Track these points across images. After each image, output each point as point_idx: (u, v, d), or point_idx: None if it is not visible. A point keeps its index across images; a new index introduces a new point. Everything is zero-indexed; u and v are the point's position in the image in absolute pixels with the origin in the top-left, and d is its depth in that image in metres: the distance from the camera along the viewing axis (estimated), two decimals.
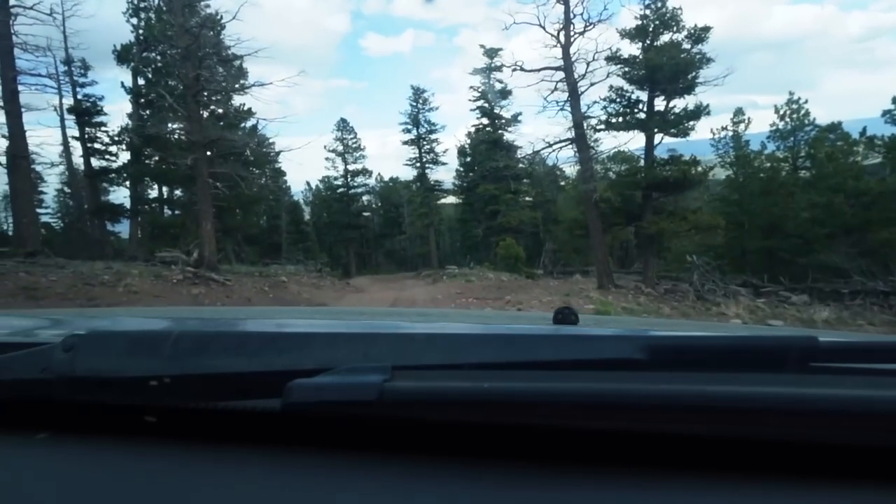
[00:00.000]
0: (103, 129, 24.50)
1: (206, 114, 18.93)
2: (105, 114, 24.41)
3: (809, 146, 25.27)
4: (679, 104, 17.49)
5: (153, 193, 26.42)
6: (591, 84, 16.40)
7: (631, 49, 17.71)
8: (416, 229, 38.11)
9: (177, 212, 26.23)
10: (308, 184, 43.08)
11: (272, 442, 0.55)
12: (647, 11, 17.57)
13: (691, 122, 17.38)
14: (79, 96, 24.08)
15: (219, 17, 18.23)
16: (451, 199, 37.89)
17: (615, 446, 0.51)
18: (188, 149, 15.42)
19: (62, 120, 23.93)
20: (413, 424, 0.53)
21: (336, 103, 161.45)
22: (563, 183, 35.47)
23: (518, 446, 0.52)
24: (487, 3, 77.00)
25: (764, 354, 0.58)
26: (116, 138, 24.45)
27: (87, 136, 24.18)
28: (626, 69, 17.35)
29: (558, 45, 16.06)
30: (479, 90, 31.01)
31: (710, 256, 19.18)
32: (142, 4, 23.68)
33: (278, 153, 26.70)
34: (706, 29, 17.11)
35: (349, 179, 38.41)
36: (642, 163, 17.79)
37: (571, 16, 15.91)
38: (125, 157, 24.36)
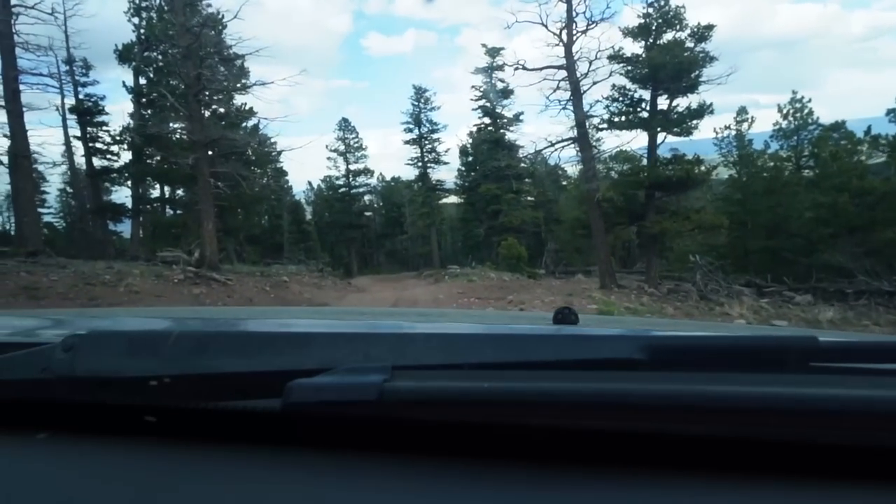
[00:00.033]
0: (105, 128, 24.64)
1: (207, 113, 19.02)
2: (107, 113, 24.54)
3: (813, 145, 25.18)
4: (682, 103, 17.46)
5: (155, 193, 26.49)
6: (594, 83, 16.37)
7: (634, 48, 17.70)
8: (418, 229, 38.11)
9: (178, 211, 26.29)
10: (310, 183, 43.16)
11: (272, 442, 0.55)
12: (650, 10, 17.53)
13: (694, 122, 17.34)
14: (80, 96, 24.17)
15: (220, 16, 18.37)
16: (452, 199, 37.88)
17: (615, 446, 0.51)
18: (190, 148, 15.46)
19: (64, 119, 24.04)
20: (413, 424, 0.53)
21: (338, 103, 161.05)
22: (565, 182, 35.49)
23: (518, 446, 0.52)
24: (489, 3, 77.09)
25: (764, 354, 0.58)
26: (118, 138, 24.56)
27: (88, 135, 24.25)
28: (629, 68, 17.28)
29: (560, 43, 16.03)
30: (481, 89, 31.03)
31: (714, 256, 19.12)
32: (143, 4, 23.75)
33: (280, 153, 26.87)
34: (709, 27, 17.04)
35: (351, 179, 38.46)
36: (645, 162, 17.68)
37: (574, 14, 15.89)
38: (127, 156, 24.50)
